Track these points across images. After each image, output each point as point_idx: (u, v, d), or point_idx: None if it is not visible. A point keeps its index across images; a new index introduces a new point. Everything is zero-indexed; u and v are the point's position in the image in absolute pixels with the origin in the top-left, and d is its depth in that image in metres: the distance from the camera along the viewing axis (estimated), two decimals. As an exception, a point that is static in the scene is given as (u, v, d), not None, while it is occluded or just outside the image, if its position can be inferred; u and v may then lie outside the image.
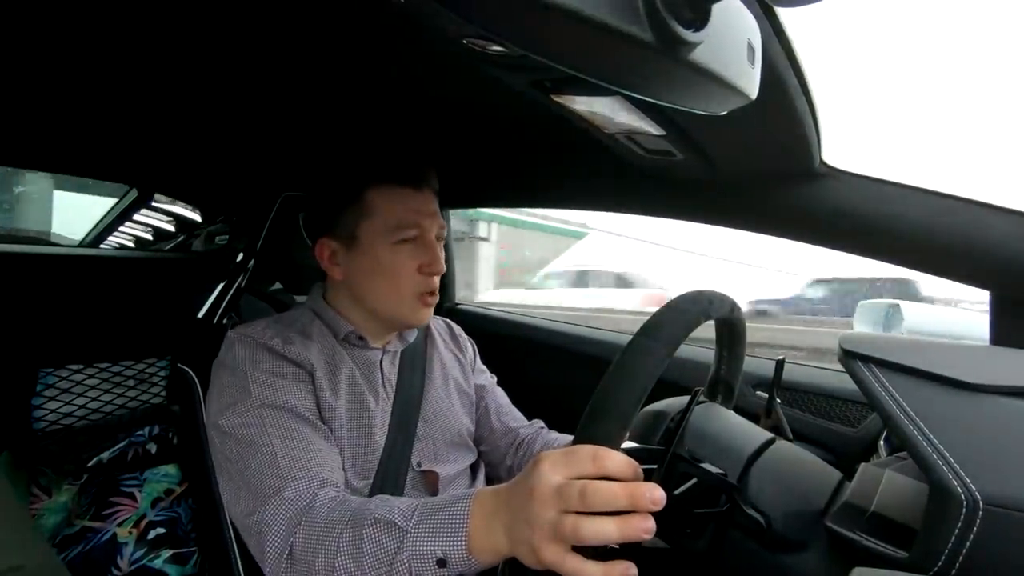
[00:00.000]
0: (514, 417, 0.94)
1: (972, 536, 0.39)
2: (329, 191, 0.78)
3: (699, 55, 0.33)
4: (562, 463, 0.42)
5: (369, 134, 1.01)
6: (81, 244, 2.07)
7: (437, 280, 0.77)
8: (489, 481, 0.91)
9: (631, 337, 0.45)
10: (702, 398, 0.63)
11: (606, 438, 0.42)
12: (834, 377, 0.96)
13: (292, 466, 0.62)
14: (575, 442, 0.43)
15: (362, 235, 0.75)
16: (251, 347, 0.71)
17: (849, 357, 0.49)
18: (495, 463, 0.92)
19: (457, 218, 1.94)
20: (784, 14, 0.48)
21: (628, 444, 0.55)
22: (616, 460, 0.41)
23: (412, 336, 0.85)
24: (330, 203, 0.77)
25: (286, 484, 0.60)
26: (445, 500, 0.52)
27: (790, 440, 0.62)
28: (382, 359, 0.81)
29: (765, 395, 0.71)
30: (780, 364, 0.69)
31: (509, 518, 0.46)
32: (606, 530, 0.40)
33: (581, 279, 7.82)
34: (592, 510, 0.40)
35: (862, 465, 0.56)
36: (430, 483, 0.78)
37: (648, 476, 0.46)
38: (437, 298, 0.78)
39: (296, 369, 0.72)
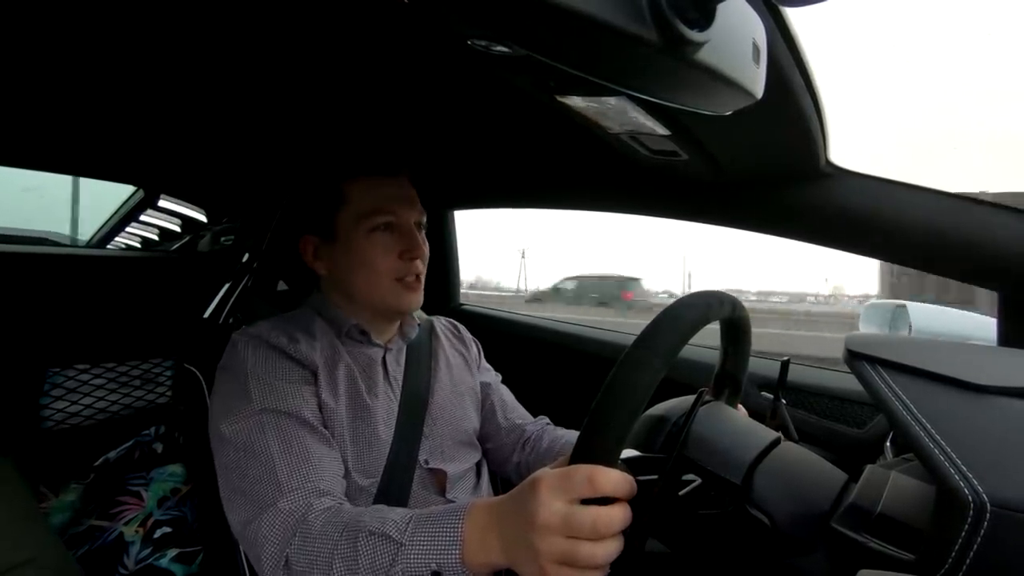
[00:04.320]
0: (520, 414, 0.94)
1: (979, 539, 0.39)
2: (307, 187, 0.81)
3: (704, 55, 0.33)
4: (559, 488, 0.43)
5: (367, 132, 1.02)
6: (88, 245, 2.08)
7: (419, 265, 0.78)
8: (494, 479, 0.91)
9: (631, 342, 0.45)
10: (707, 398, 0.62)
11: (603, 455, 0.42)
12: (839, 378, 0.96)
13: (290, 476, 0.62)
14: (572, 460, 0.44)
15: (339, 226, 0.77)
16: (255, 347, 0.71)
17: (854, 358, 0.49)
18: (501, 461, 0.91)
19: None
20: (789, 13, 0.48)
21: (629, 453, 0.55)
22: (612, 479, 0.42)
23: (413, 332, 0.85)
24: (308, 199, 0.80)
25: (283, 495, 0.60)
26: (439, 512, 0.52)
27: (795, 441, 0.62)
28: (385, 356, 0.81)
29: (770, 396, 0.70)
30: (785, 365, 0.69)
31: (506, 536, 0.47)
32: (614, 549, 0.43)
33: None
34: (603, 537, 0.42)
35: (868, 467, 0.55)
36: (438, 482, 0.78)
37: (650, 486, 0.46)
38: (421, 283, 0.79)
39: (300, 370, 0.71)
